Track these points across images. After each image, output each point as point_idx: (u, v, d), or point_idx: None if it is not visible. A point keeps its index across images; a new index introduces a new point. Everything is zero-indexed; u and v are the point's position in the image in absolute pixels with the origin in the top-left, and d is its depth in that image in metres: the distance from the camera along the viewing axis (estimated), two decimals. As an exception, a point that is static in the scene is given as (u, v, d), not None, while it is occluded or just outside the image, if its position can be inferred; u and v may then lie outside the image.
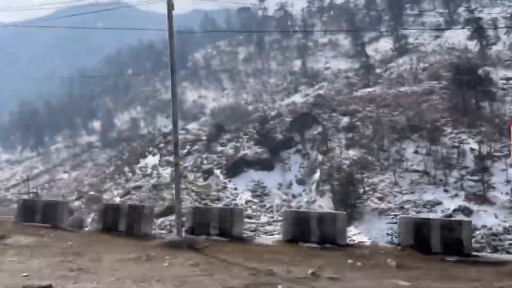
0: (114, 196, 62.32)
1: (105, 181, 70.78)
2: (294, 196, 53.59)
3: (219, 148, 62.56)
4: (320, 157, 58.13)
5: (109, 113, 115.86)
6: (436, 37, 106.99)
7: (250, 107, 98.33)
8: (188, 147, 68.24)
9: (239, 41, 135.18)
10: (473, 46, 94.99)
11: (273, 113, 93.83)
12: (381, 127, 59.15)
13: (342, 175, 51.25)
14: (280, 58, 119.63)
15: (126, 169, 70.73)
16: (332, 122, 62.81)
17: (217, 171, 58.94)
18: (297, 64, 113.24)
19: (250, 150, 59.55)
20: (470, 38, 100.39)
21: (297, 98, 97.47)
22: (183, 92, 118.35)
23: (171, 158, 68.22)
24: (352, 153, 56.00)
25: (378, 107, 62.83)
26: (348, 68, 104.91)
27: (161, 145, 72.41)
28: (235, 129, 67.51)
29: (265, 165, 57.96)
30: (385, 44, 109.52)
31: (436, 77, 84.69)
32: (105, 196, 64.25)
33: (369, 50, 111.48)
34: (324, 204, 51.18)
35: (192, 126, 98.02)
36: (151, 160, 70.20)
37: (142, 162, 70.50)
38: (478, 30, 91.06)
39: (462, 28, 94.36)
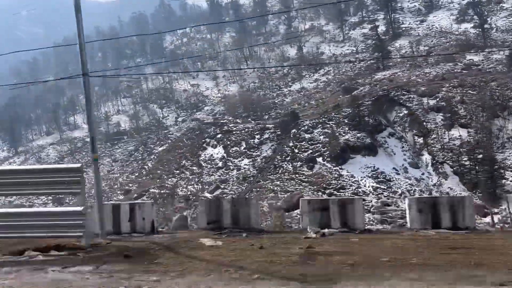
0: (196, 191, 55.50)
1: (160, 176, 63.13)
2: (417, 180, 50.79)
3: (306, 135, 57.87)
4: (419, 139, 55.81)
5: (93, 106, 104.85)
6: (422, 21, 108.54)
7: (256, 94, 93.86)
8: (257, 136, 62.72)
9: (210, 28, 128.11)
10: (468, 29, 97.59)
11: (286, 98, 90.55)
12: (469, 106, 58.09)
13: (472, 155, 49.36)
14: (264, 44, 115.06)
15: (185, 162, 63.59)
16: (414, 104, 60.60)
17: (318, 159, 54.39)
18: (286, 50, 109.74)
19: (350, 135, 55.68)
20: (458, 21, 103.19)
21: (305, 83, 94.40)
22: (169, 81, 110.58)
23: (241, 149, 62.72)
24: (457, 133, 54.31)
25: (456, 87, 61.61)
26: (343, 53, 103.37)
27: (219, 135, 65.93)
28: (316, 114, 62.87)
29: (370, 150, 54.53)
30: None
31: (449, 59, 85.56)
32: (180, 192, 57.30)
33: (356, 35, 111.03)
34: (454, 186, 49.10)
35: (201, 115, 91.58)
36: (213, 152, 63.68)
37: (202, 155, 63.80)
38: (478, 13, 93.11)
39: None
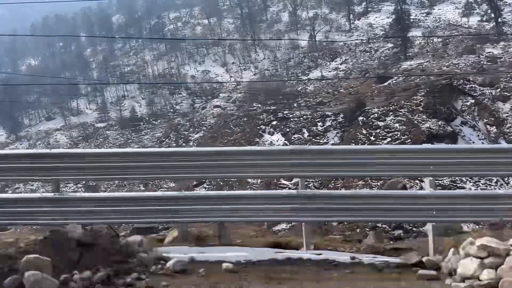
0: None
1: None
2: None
3: (379, 123, 56.13)
4: (492, 128, 55.57)
5: (95, 91, 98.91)
6: (428, 13, 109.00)
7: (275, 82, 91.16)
8: (319, 123, 60.46)
9: (207, 13, 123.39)
10: (478, 22, 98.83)
11: (308, 86, 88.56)
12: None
13: None
14: (269, 32, 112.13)
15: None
16: (478, 93, 60.29)
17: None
18: (294, 38, 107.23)
19: (430, 123, 54.42)
20: (464, 14, 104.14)
21: (324, 72, 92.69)
22: (173, 67, 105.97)
23: (304, 136, 60.38)
24: (531, 122, 54.51)
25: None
26: (353, 42, 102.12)
27: (274, 122, 63.02)
28: (382, 101, 61.14)
29: (451, 138, 53.64)
30: (379, 20, 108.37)
31: (470, 51, 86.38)
32: (251, 181, 54.22)
33: (361, 24, 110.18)
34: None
35: (222, 103, 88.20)
36: (272, 139, 60.85)
37: (261, 142, 60.81)
38: (494, 7, 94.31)
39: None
